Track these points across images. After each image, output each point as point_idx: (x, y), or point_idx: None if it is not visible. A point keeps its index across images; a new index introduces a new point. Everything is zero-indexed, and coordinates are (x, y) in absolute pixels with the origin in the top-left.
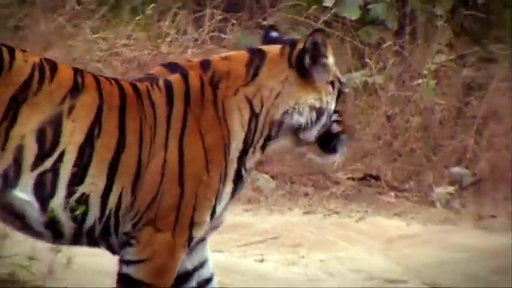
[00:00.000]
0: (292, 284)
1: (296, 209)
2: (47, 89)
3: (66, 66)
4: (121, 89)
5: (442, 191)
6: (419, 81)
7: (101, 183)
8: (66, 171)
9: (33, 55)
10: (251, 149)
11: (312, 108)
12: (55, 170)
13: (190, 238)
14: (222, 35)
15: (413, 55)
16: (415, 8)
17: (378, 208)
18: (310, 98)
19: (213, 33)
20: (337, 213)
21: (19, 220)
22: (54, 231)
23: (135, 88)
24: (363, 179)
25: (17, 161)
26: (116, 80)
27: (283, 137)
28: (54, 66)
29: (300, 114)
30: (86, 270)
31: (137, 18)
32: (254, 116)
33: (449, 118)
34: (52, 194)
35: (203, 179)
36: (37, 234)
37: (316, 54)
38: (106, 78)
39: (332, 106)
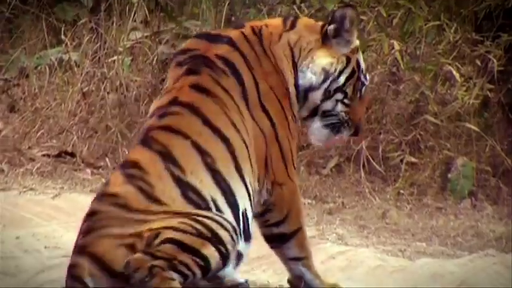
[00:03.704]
0: None
1: None
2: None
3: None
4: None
5: None
6: (115, 58)
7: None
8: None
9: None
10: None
11: (322, 70)
12: None
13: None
14: None
15: (108, 32)
16: None
17: (74, 185)
18: (324, 61)
19: None
20: (32, 189)
21: None
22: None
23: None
24: (59, 156)
25: None
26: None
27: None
28: None
29: (314, 73)
30: None
31: None
32: (294, 65)
33: (145, 95)
34: None
35: (285, 124)
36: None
37: (340, 27)
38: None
39: (340, 79)
